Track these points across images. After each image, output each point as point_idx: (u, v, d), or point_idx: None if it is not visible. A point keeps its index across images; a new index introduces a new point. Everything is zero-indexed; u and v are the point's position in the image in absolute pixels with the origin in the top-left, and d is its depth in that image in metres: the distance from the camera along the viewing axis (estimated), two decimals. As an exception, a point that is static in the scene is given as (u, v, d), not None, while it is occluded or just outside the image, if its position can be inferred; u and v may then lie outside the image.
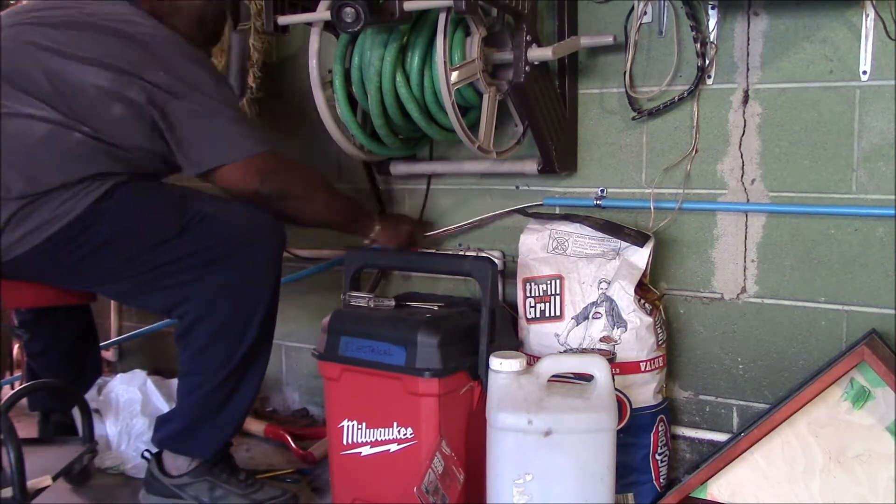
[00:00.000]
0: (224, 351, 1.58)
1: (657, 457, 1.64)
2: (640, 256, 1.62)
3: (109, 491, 1.82)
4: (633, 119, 1.74)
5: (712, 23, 1.64)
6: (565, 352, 1.63)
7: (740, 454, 1.48)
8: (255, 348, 1.61)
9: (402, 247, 1.86)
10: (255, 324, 1.59)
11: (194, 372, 1.61)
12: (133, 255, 1.55)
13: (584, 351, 1.61)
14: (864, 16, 1.52)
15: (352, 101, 1.75)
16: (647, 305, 1.62)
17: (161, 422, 1.67)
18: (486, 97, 1.65)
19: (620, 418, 1.48)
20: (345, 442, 1.57)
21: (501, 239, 1.93)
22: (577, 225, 1.68)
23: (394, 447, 1.52)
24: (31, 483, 1.53)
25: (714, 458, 1.51)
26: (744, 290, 1.68)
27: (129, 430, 1.88)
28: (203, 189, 1.66)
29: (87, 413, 1.78)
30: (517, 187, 1.90)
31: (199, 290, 1.56)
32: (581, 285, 1.64)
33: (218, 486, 1.64)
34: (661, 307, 1.69)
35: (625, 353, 1.59)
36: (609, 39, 1.69)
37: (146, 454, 1.71)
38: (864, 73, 1.53)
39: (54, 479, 1.59)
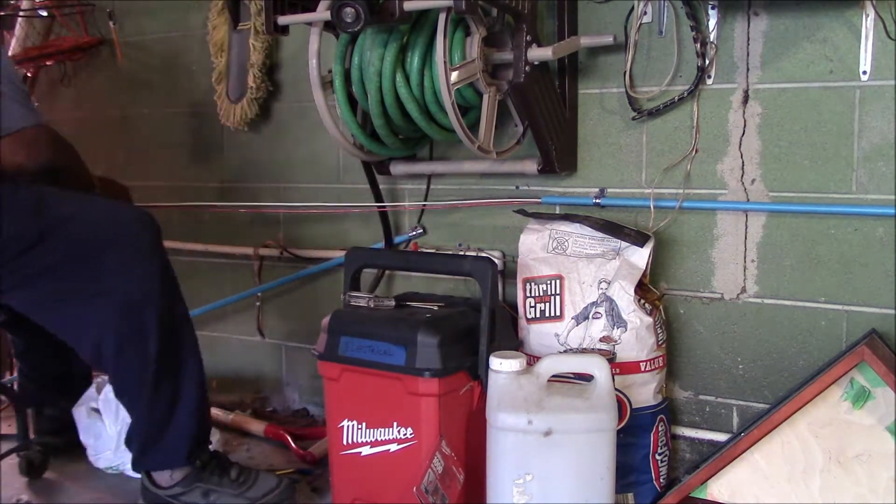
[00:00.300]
0: (135, 361, 1.55)
1: (657, 457, 1.64)
2: (640, 256, 1.62)
3: (109, 490, 1.82)
4: (633, 119, 1.73)
5: (712, 23, 1.64)
6: (565, 352, 1.63)
7: (740, 454, 1.48)
8: (168, 345, 1.57)
9: None
10: (152, 323, 1.54)
11: (123, 391, 1.60)
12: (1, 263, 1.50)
13: (584, 351, 1.61)
14: (864, 16, 1.52)
15: (352, 101, 1.75)
16: (647, 305, 1.62)
17: (127, 445, 1.66)
18: (486, 97, 1.65)
19: (620, 418, 1.48)
20: (345, 442, 1.57)
21: (501, 239, 1.93)
22: (577, 225, 1.68)
23: (394, 447, 1.52)
24: None
25: (714, 458, 1.51)
26: (744, 290, 1.68)
27: (129, 430, 1.88)
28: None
29: (23, 411, 1.80)
30: (517, 187, 1.90)
31: (83, 309, 1.52)
32: (581, 285, 1.64)
33: (211, 491, 1.63)
34: (661, 307, 1.69)
35: (625, 353, 1.59)
36: (609, 39, 1.69)
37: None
38: (864, 73, 1.53)
39: None
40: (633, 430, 1.60)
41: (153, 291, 1.56)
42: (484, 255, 1.90)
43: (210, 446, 1.70)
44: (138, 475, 1.73)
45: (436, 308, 1.63)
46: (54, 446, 1.95)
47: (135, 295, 1.54)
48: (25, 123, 1.54)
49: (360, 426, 1.56)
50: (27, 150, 1.55)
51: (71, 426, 1.93)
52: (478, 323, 1.54)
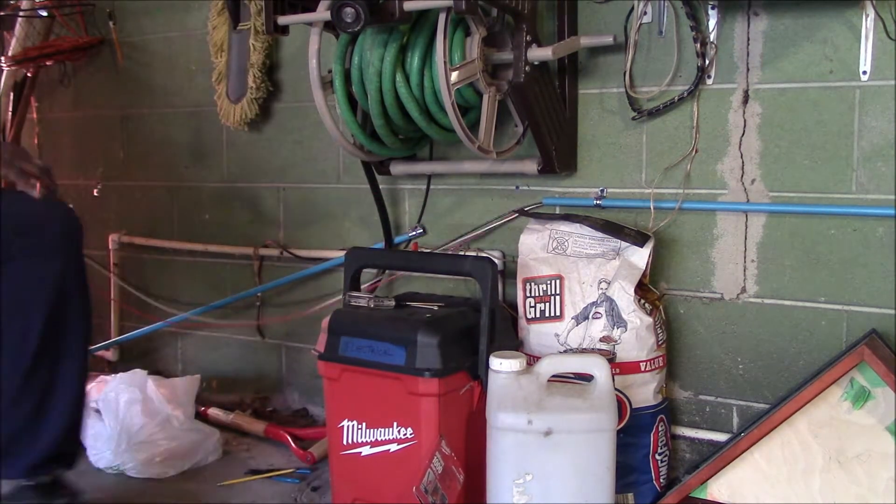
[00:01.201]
0: (7, 362, 1.47)
1: (657, 457, 1.64)
2: (640, 256, 1.62)
3: (109, 490, 1.82)
4: (633, 119, 1.73)
5: (712, 23, 1.64)
6: (565, 352, 1.63)
7: (740, 454, 1.48)
8: (44, 354, 1.49)
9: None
10: (34, 329, 1.46)
11: None
12: None
13: (584, 351, 1.61)
14: (864, 16, 1.52)
15: (352, 101, 1.75)
16: (647, 305, 1.62)
17: None
18: (486, 97, 1.65)
19: (620, 418, 1.48)
20: (345, 442, 1.57)
21: (501, 239, 1.93)
22: (577, 225, 1.68)
23: (394, 447, 1.52)
24: None
25: (714, 458, 1.51)
26: (744, 290, 1.68)
27: (129, 429, 1.88)
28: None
29: None
30: (517, 187, 1.90)
31: None
32: (581, 285, 1.64)
33: None
34: (661, 307, 1.69)
35: (625, 353, 1.59)
36: (609, 39, 1.69)
37: None
38: (864, 73, 1.53)
39: None
40: (633, 430, 1.60)
41: (43, 297, 1.47)
42: (484, 255, 1.90)
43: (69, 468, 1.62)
44: (140, 475, 1.72)
45: (436, 308, 1.63)
46: None
47: (23, 293, 1.46)
48: None
49: (360, 426, 1.56)
50: None
51: None
52: (478, 323, 1.54)
